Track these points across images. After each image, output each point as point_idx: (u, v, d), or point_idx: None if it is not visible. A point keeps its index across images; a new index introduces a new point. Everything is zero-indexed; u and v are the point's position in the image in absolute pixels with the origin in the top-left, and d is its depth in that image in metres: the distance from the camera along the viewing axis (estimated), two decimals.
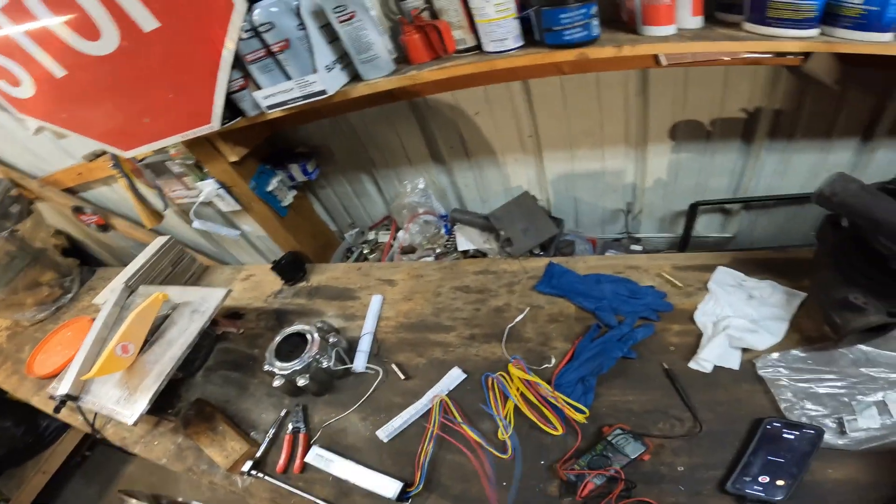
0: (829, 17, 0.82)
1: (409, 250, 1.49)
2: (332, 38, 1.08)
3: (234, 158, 1.35)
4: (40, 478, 2.11)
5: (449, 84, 1.07)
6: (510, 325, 1.11)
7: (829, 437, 0.83)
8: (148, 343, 1.22)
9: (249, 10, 1.01)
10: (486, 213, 1.36)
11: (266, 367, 1.15)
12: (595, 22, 0.87)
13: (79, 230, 2.32)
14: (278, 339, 1.18)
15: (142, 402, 1.09)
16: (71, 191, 1.97)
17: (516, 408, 0.92)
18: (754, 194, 1.26)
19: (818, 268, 0.97)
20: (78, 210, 1.97)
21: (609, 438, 0.83)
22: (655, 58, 0.89)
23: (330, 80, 1.09)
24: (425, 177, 1.49)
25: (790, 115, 1.10)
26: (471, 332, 1.15)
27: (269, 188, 1.45)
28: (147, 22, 1.06)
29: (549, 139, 1.29)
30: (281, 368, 1.13)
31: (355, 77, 1.14)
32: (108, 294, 1.55)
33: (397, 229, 1.57)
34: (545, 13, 0.88)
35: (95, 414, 1.19)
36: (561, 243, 1.30)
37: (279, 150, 1.50)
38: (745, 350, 0.94)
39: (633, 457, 0.81)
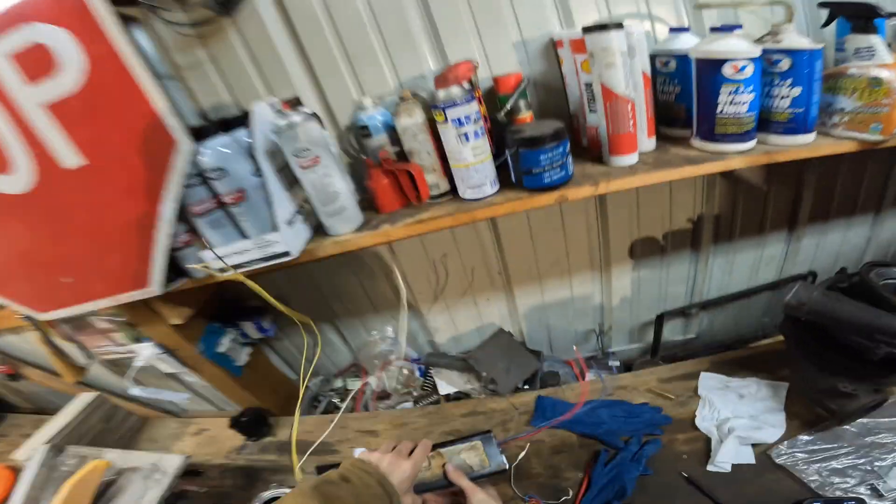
0: (763, 123, 0.89)
1: (383, 396, 1.38)
2: (291, 182, 0.98)
3: (177, 321, 1.23)
4: None
5: (418, 230, 1.07)
6: (514, 464, 1.06)
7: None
8: None
9: (196, 150, 0.87)
10: (464, 355, 1.39)
11: None
12: (570, 159, 0.90)
13: None
14: (265, 496, 1.07)
15: None
16: None
17: None
18: (708, 296, 1.42)
19: (793, 361, 1.06)
20: None
21: None
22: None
23: (293, 239, 0.96)
24: (393, 324, 1.47)
25: (727, 217, 1.29)
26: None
27: (221, 349, 1.31)
28: (69, 156, 0.86)
29: (518, 274, 1.39)
30: None
31: (318, 229, 1.04)
32: (28, 451, 1.32)
33: (367, 374, 1.45)
34: (524, 155, 0.87)
35: None
36: (545, 375, 1.32)
37: (229, 306, 1.39)
38: (753, 444, 0.98)
39: None
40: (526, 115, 0.99)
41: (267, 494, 1.07)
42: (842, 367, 0.92)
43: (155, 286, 1.02)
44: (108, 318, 1.33)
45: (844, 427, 0.96)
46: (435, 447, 0.90)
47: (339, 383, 1.58)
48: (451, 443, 0.93)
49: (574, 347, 1.36)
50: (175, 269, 1.03)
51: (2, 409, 2.01)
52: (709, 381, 1.15)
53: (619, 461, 0.99)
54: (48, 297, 1.13)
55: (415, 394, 1.43)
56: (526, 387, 1.31)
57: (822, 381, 0.94)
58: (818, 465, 0.91)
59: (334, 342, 1.57)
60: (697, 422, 1.05)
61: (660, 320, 1.40)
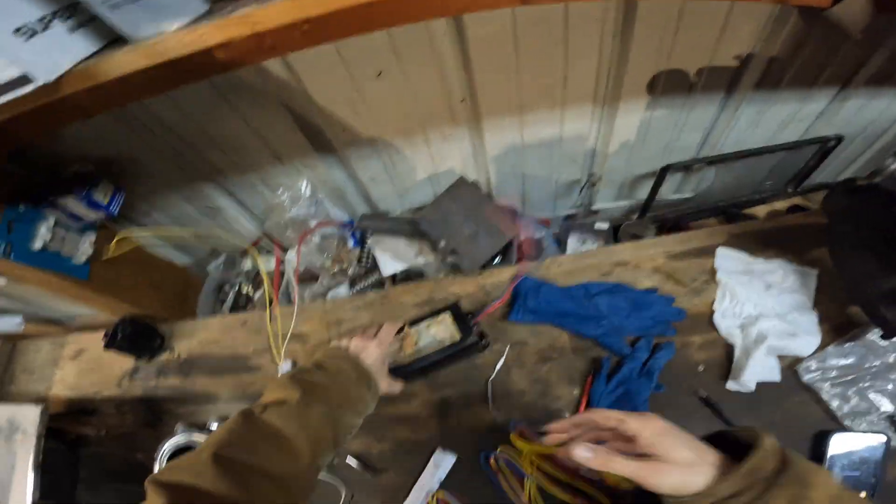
0: None
1: (308, 278, 1.04)
2: None
3: None
4: None
5: (327, 31, 0.62)
6: (491, 378, 0.85)
7: None
8: None
9: None
10: (413, 216, 0.95)
11: None
12: None
13: None
14: (165, 453, 0.86)
15: None
16: None
17: (542, 491, 0.73)
18: (722, 150, 1.15)
19: (841, 252, 0.86)
20: None
21: None
22: None
23: (39, 55, 0.58)
24: (308, 175, 1.03)
25: (782, 62, 0.97)
26: (440, 395, 0.88)
27: (38, 244, 0.82)
28: None
29: (490, 103, 0.97)
30: None
31: (113, 40, 0.63)
32: None
33: (284, 250, 1.07)
34: None
35: None
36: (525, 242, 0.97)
37: (36, 179, 0.84)
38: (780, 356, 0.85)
39: None
40: None
41: (170, 443, 0.86)
42: None
43: None
44: None
45: (875, 340, 0.81)
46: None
47: (248, 265, 1.18)
48: (418, 321, 0.86)
49: None
50: None
51: None
52: (728, 262, 0.95)
53: (625, 376, 0.81)
54: None
55: (350, 272, 1.10)
56: (498, 260, 1.04)
57: (883, 279, 0.75)
58: (849, 387, 0.80)
59: (228, 209, 1.12)
60: (716, 319, 0.88)
61: (663, 173, 1.13)
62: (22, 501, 0.85)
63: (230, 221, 1.20)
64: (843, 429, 0.77)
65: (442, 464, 0.81)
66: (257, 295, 1.14)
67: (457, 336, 0.81)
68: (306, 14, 0.58)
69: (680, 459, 0.43)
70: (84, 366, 1.09)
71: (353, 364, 0.70)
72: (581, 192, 1.19)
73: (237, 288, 1.16)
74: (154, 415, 0.98)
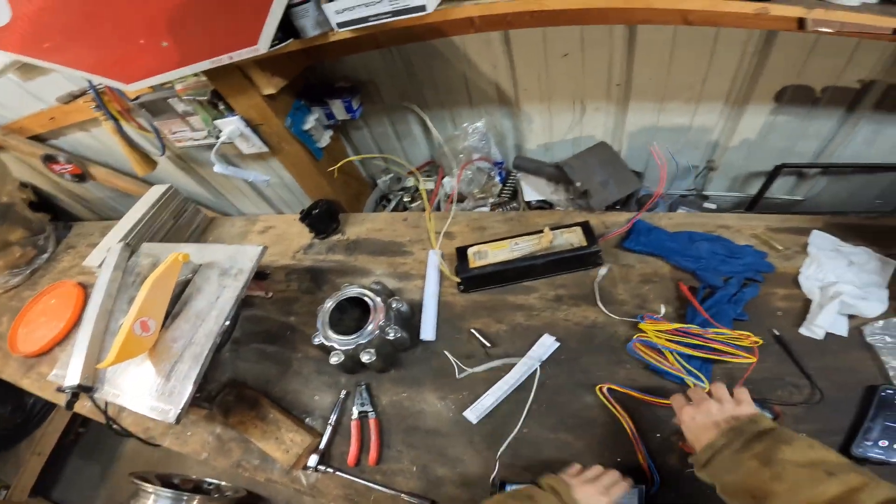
0: None
1: (458, 199, 1.32)
2: None
3: (270, 91, 1.15)
4: (37, 460, 1.95)
5: (551, 18, 0.92)
6: (597, 281, 1.03)
7: None
8: (169, 316, 1.02)
9: None
10: (558, 162, 1.22)
11: (317, 341, 1.00)
12: None
13: (47, 181, 1.98)
14: (329, 305, 1.02)
15: (181, 395, 0.94)
16: (39, 138, 1.70)
17: (688, 357, 0.88)
18: (838, 160, 1.28)
19: None
20: (50, 159, 1.70)
21: None
22: (800, 22, 0.82)
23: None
24: (486, 119, 1.37)
25: None
26: (555, 292, 1.05)
27: (306, 127, 1.21)
28: None
29: (640, 89, 1.23)
30: (340, 343, 0.96)
31: None
32: (101, 255, 1.28)
33: (443, 176, 1.37)
34: None
35: (106, 403, 0.95)
36: (643, 198, 1.17)
37: (315, 85, 1.28)
38: (850, 317, 0.96)
39: (774, 415, 0.82)
40: None
41: (343, 294, 1.02)
42: None
43: (263, 43, 0.93)
44: (189, 96, 1.24)
45: None
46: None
47: (410, 182, 1.51)
48: (557, 227, 1.03)
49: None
50: (285, 27, 0.94)
51: (64, 218, 2.00)
52: (820, 240, 1.10)
53: (717, 300, 0.98)
54: (137, 65, 1.03)
55: (492, 200, 1.38)
56: (619, 207, 1.26)
57: None
58: None
59: (416, 135, 1.51)
60: (801, 279, 1.03)
61: (776, 171, 1.30)
62: (213, 329, 0.96)
63: (412, 145, 1.53)
64: (892, 386, 0.85)
65: (546, 347, 0.96)
66: (415, 206, 1.46)
67: (584, 242, 1.03)
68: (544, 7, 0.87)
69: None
70: (269, 238, 1.36)
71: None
72: (697, 176, 1.38)
73: (399, 199, 1.50)
74: (315, 283, 1.18)
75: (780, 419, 0.82)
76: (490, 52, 1.20)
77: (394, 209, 1.50)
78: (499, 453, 0.86)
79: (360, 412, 0.97)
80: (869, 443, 0.82)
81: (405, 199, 1.49)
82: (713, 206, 1.34)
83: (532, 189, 1.33)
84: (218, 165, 1.27)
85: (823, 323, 0.94)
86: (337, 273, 1.18)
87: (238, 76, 1.11)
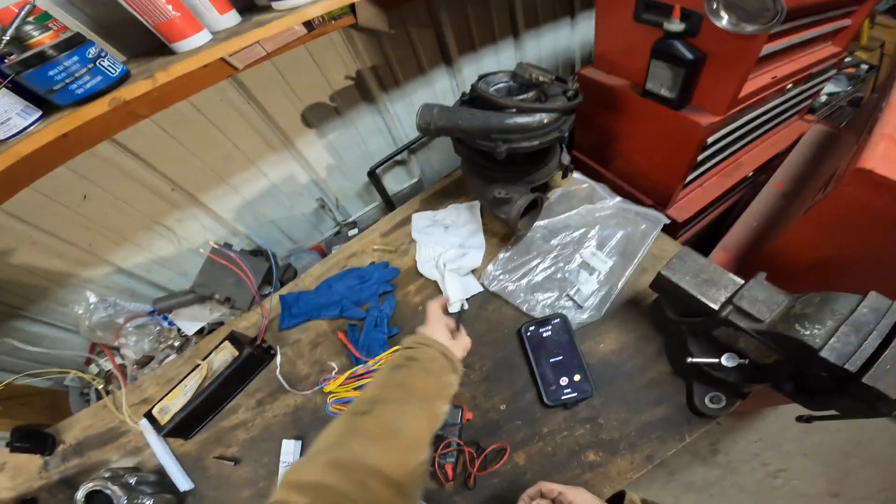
0: None
1: (145, 362, 1.21)
2: None
3: None
4: None
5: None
6: (277, 372, 1.01)
7: (574, 316, 0.91)
8: None
9: None
10: (190, 288, 1.17)
11: None
12: (107, 62, 0.76)
13: None
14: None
15: None
16: None
17: None
18: (408, 139, 1.38)
19: (470, 181, 1.08)
20: None
21: None
22: (231, 64, 0.82)
23: None
24: (92, 288, 1.17)
25: (384, 67, 1.21)
26: (255, 399, 1.02)
27: None
28: None
29: (194, 183, 1.14)
30: None
31: None
32: None
33: (112, 349, 1.18)
34: (32, 77, 0.69)
35: None
36: (281, 271, 1.18)
37: None
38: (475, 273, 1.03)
39: (459, 422, 0.83)
40: (45, 35, 0.71)
41: (81, 493, 0.92)
42: (495, 174, 0.98)
43: None
44: None
45: (531, 236, 1.05)
46: None
47: (93, 369, 1.27)
48: (207, 355, 0.99)
49: None
50: None
51: None
52: (419, 222, 1.17)
53: (366, 332, 1.01)
54: None
55: (177, 344, 1.23)
56: (270, 291, 1.20)
57: (485, 191, 0.99)
58: (521, 282, 0.98)
59: (44, 334, 1.20)
60: (419, 267, 1.08)
61: (373, 175, 1.36)
62: None
63: (56, 342, 1.24)
64: (533, 320, 0.91)
65: (291, 450, 0.90)
66: (111, 387, 1.23)
67: (236, 352, 0.99)
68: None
69: None
70: (10, 472, 1.11)
71: (441, 351, 0.70)
72: (329, 212, 1.38)
73: (94, 388, 1.24)
74: (75, 489, 1.02)
75: (466, 407, 0.83)
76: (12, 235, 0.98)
77: (98, 397, 1.26)
78: None
79: None
80: (553, 388, 0.82)
81: (99, 387, 1.25)
82: (356, 232, 1.33)
83: (190, 322, 1.21)
84: None
85: (456, 296, 0.98)
86: (85, 474, 1.05)
87: None
